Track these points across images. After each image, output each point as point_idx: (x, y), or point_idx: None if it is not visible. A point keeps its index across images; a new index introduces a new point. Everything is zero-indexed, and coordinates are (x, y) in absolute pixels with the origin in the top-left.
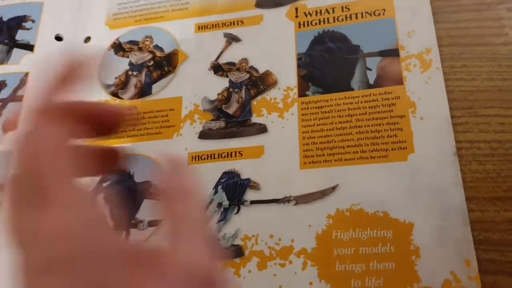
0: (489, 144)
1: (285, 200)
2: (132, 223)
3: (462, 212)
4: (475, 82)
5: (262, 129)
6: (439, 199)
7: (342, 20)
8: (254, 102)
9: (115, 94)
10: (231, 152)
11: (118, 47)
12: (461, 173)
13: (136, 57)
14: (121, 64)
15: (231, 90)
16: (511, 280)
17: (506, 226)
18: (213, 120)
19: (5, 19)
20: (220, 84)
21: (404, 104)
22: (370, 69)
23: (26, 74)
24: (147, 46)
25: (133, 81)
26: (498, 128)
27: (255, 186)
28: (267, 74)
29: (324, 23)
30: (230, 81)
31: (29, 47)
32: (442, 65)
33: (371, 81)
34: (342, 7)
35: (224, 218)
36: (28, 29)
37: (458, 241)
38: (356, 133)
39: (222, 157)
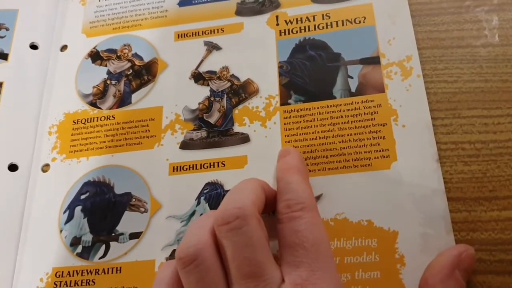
0: (474, 145)
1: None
2: (113, 236)
3: (445, 219)
4: (457, 84)
5: (244, 138)
6: (422, 206)
7: (323, 28)
8: (235, 111)
9: (93, 104)
10: (214, 163)
11: (95, 56)
12: (447, 174)
13: (115, 65)
14: (99, 73)
15: (212, 99)
16: (500, 279)
17: (493, 226)
18: (194, 130)
19: None
20: (201, 93)
21: (386, 112)
22: (351, 77)
23: (1, 84)
24: (126, 55)
25: (112, 90)
26: (482, 129)
27: None
28: (249, 82)
29: (305, 31)
30: (211, 90)
31: (3, 56)
32: (424, 68)
33: (353, 89)
34: (322, 15)
35: None
36: (2, 37)
37: (441, 249)
38: (339, 142)
39: (204, 167)
